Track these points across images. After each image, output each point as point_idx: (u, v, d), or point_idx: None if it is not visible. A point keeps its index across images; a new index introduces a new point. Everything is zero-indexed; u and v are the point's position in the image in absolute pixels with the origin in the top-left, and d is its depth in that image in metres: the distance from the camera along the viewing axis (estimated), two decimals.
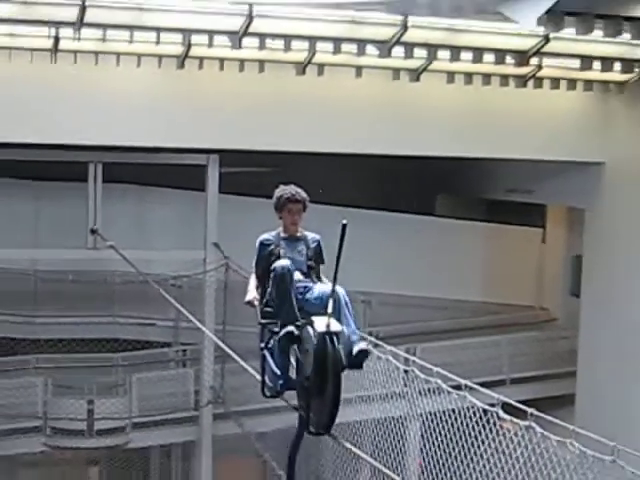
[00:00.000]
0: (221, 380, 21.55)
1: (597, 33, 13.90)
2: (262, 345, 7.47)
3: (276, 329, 7.10)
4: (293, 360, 7.05)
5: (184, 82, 19.24)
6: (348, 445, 7.59)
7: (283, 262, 7.16)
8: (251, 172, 22.94)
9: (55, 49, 17.97)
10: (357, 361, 6.75)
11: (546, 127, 21.79)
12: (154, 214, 23.24)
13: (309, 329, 6.59)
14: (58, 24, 16.47)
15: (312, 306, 7.03)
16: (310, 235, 7.73)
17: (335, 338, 6.43)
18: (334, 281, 6.60)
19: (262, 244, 7.62)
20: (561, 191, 24.52)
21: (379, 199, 24.36)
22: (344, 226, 6.10)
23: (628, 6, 13.00)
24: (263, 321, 7.35)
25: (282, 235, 7.64)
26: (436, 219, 27.44)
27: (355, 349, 6.71)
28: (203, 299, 21.43)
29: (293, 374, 7.06)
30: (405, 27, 16.15)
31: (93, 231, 21.25)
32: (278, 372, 7.20)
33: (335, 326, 6.46)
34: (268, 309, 7.32)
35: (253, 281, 7.79)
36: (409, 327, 23.97)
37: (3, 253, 20.64)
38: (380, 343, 12.37)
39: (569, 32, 14.29)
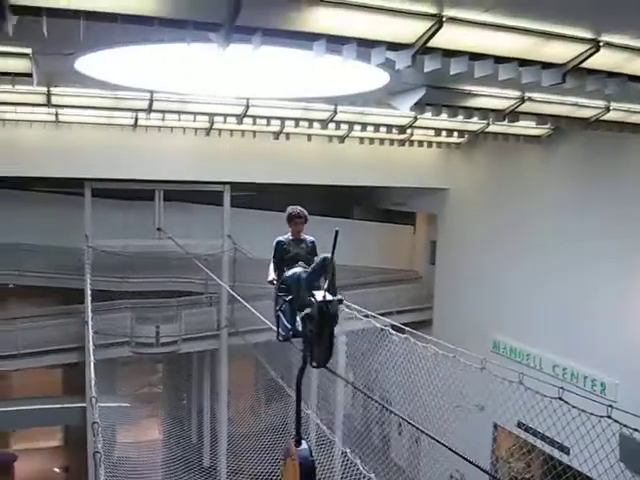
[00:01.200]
0: (232, 313, 21.31)
1: (444, 115, 13.81)
2: (277, 308, 6.84)
3: (287, 298, 6.60)
4: (299, 319, 6.42)
5: (210, 144, 19.13)
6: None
7: (296, 269, 6.63)
8: (249, 195, 22.71)
9: (135, 124, 17.79)
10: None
11: (416, 168, 21.99)
12: (193, 218, 22.94)
13: (312, 299, 6.10)
14: (136, 110, 16.17)
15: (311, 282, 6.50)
16: (308, 238, 7.19)
17: (329, 304, 6.03)
18: (330, 266, 6.21)
19: (278, 243, 7.10)
20: (424, 204, 24.69)
21: (320, 209, 24.05)
22: (337, 232, 5.77)
23: (463, 100, 12.89)
24: (279, 293, 6.81)
25: (290, 238, 7.12)
26: (353, 221, 27.25)
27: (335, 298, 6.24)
28: (222, 268, 21.12)
29: (298, 327, 6.42)
30: (335, 112, 15.97)
31: (158, 229, 21.06)
32: (289, 326, 6.64)
33: (329, 297, 6.05)
34: (282, 286, 6.79)
35: (272, 267, 7.18)
36: (337, 283, 23.80)
37: (107, 242, 20.30)
38: None
39: (428, 115, 14.19)
